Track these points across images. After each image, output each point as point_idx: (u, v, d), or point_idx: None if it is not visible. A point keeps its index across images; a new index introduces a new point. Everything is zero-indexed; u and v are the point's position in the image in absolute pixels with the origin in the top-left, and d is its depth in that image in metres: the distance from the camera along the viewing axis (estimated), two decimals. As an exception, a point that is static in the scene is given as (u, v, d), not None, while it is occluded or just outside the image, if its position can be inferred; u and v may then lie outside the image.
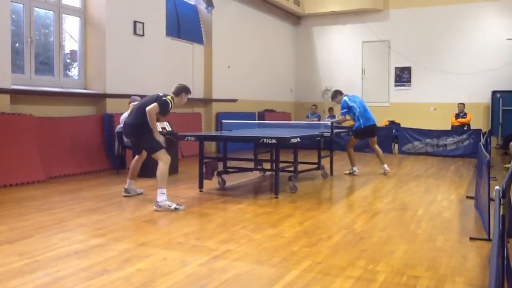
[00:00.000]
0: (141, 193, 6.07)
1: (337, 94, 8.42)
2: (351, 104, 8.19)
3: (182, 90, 5.64)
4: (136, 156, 6.04)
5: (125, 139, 7.94)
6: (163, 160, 5.36)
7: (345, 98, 8.26)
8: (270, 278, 3.18)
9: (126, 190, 5.95)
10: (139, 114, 5.45)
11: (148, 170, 7.46)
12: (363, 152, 11.75)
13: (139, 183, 7.09)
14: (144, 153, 5.90)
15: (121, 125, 7.90)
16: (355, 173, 8.29)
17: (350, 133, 8.50)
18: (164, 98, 5.39)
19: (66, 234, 4.19)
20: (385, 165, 8.29)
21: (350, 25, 15.98)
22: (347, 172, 8.34)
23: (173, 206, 5.16)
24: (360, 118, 8.16)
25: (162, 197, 5.17)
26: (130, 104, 7.97)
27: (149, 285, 3.03)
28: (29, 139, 6.98)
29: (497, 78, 14.07)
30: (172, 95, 5.56)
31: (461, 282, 3.13)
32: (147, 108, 5.27)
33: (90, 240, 4.01)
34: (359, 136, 8.36)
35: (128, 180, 5.98)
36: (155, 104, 5.29)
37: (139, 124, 5.44)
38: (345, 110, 8.20)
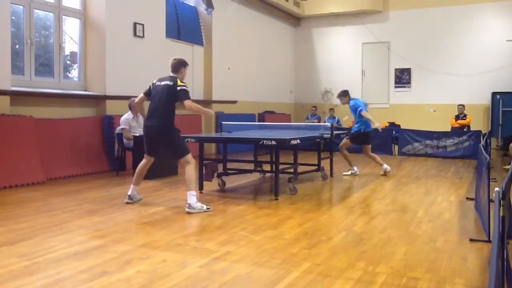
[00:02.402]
0: (140, 199, 5.81)
1: (346, 94, 8.39)
2: (363, 102, 8.34)
3: (181, 65, 5.55)
4: (144, 161, 5.67)
5: (125, 140, 7.96)
6: (191, 162, 5.39)
7: (355, 99, 8.34)
8: (270, 280, 3.17)
9: (129, 197, 5.63)
10: (164, 114, 5.37)
11: (149, 172, 7.47)
12: (362, 154, 11.76)
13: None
14: (152, 159, 5.65)
15: (122, 126, 7.93)
16: (356, 173, 8.33)
17: (347, 136, 8.46)
18: (180, 88, 5.33)
19: (65, 236, 4.19)
20: (385, 165, 8.29)
21: (349, 26, 15.99)
22: (348, 173, 8.34)
23: (205, 207, 5.22)
24: (362, 122, 8.21)
25: (193, 199, 5.21)
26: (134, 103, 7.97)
27: (149, 286, 3.02)
28: (29, 140, 6.98)
29: (497, 80, 14.08)
30: (174, 75, 5.46)
31: (461, 284, 3.13)
32: (189, 105, 5.29)
33: (89, 242, 4.01)
34: (355, 140, 8.36)
35: (131, 186, 5.67)
36: (189, 99, 5.32)
37: (168, 126, 5.39)
38: (361, 108, 8.18)
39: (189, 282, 3.12)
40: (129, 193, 5.64)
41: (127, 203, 5.59)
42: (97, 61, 8.75)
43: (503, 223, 2.37)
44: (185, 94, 5.33)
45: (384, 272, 3.32)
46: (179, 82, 5.37)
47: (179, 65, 5.54)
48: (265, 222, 4.82)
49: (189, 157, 5.42)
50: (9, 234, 4.23)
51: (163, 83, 5.44)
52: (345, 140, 8.43)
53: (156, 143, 5.50)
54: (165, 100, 5.37)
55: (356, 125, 8.27)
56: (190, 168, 5.34)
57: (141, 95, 5.63)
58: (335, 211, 5.54)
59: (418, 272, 3.34)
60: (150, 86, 5.57)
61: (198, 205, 5.20)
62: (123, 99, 8.57)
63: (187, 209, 5.17)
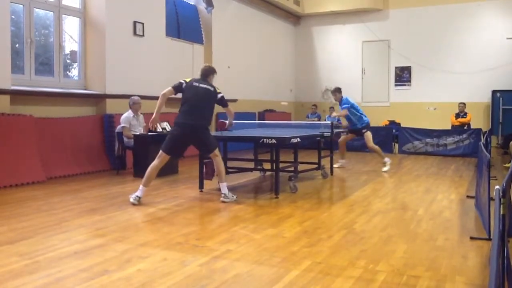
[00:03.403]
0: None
1: (339, 90, 8.78)
2: (352, 101, 8.68)
3: (211, 71, 5.96)
4: (157, 162, 5.58)
5: (125, 139, 7.96)
6: (219, 156, 5.81)
7: (346, 96, 8.72)
8: (270, 278, 3.17)
9: (139, 199, 5.48)
10: (206, 115, 5.73)
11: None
12: (363, 152, 11.76)
13: (139, 183, 7.10)
14: (167, 159, 5.62)
15: (123, 125, 7.93)
16: (343, 166, 8.85)
17: (364, 130, 8.70)
18: (221, 95, 5.91)
19: (66, 235, 4.19)
20: (386, 158, 8.63)
21: (350, 25, 15.98)
22: (336, 165, 8.73)
23: (234, 197, 5.71)
24: (363, 116, 8.69)
25: (226, 189, 5.70)
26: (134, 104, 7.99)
27: (149, 285, 3.03)
28: (29, 139, 6.98)
29: (497, 78, 14.07)
30: (206, 80, 5.85)
31: (462, 282, 3.13)
32: (231, 110, 6.18)
33: (90, 241, 4.01)
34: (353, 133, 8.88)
35: (141, 187, 5.53)
36: (228, 106, 6.08)
37: (206, 125, 5.73)
38: (348, 105, 8.58)
39: (190, 281, 3.12)
40: (139, 194, 5.50)
41: (134, 204, 5.44)
42: (97, 60, 8.75)
43: (504, 221, 2.37)
44: (226, 100, 6.02)
45: (384, 271, 3.32)
46: (217, 89, 5.88)
47: (210, 72, 5.94)
48: (266, 220, 4.82)
49: (218, 151, 5.82)
50: (10, 233, 4.23)
51: (202, 85, 5.75)
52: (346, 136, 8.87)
53: (188, 140, 5.74)
54: (207, 102, 5.77)
55: (362, 121, 8.66)
56: (219, 160, 5.75)
57: (170, 88, 5.71)
58: (335, 209, 5.54)
59: (418, 270, 3.35)
60: (182, 83, 5.73)
61: (230, 195, 5.69)
62: (123, 98, 8.57)
63: (221, 199, 5.67)
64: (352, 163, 9.82)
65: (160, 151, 5.63)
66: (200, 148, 5.92)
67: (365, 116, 8.77)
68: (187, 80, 5.79)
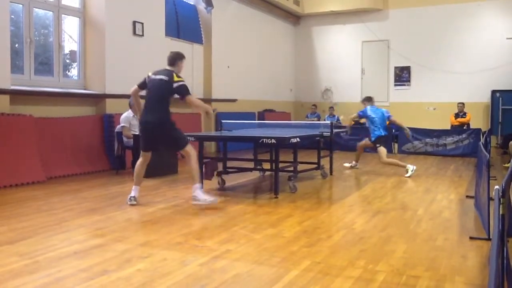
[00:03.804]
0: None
1: (367, 99, 8.70)
2: (371, 113, 8.40)
3: (178, 57, 5.48)
4: (141, 160, 5.54)
5: (125, 139, 7.95)
6: (193, 153, 5.41)
7: (370, 107, 8.51)
8: (270, 278, 3.18)
9: (134, 199, 5.47)
10: (162, 110, 5.30)
11: (147, 171, 7.47)
12: (363, 152, 11.76)
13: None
14: (149, 156, 5.56)
15: (122, 124, 7.93)
16: (356, 166, 8.77)
17: (377, 145, 8.37)
18: (178, 84, 5.26)
19: (66, 235, 4.19)
20: (408, 165, 8.12)
21: (349, 24, 15.98)
22: (348, 165, 8.73)
23: (209, 199, 5.31)
24: (375, 129, 8.36)
25: (199, 192, 5.33)
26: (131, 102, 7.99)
27: (149, 285, 3.03)
28: (28, 139, 6.98)
29: (497, 78, 14.07)
30: (170, 68, 5.40)
31: (461, 282, 3.13)
32: (190, 100, 5.34)
33: (90, 241, 4.01)
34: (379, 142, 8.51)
35: (134, 187, 5.52)
36: (189, 95, 5.33)
37: (166, 120, 5.34)
38: (360, 113, 8.55)
39: (189, 281, 3.12)
40: (133, 194, 5.49)
41: (132, 205, 5.43)
42: (97, 59, 8.75)
43: (503, 221, 2.37)
44: (185, 90, 5.29)
45: (384, 270, 3.33)
46: (175, 77, 5.28)
47: (176, 58, 5.47)
48: (265, 220, 4.82)
49: (190, 147, 5.43)
50: (10, 233, 4.23)
51: (158, 77, 5.35)
52: (370, 143, 8.59)
53: (155, 138, 5.44)
54: (161, 95, 5.31)
55: (377, 132, 8.37)
56: (194, 159, 5.39)
57: (135, 86, 5.54)
58: (335, 209, 5.54)
59: (418, 270, 3.35)
60: (145, 78, 5.48)
61: (203, 196, 5.30)
62: (122, 98, 8.56)
63: (192, 202, 5.32)
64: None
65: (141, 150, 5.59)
66: (167, 145, 5.67)
67: (379, 130, 8.30)
68: (150, 73, 5.50)
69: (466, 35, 14.52)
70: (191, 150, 5.41)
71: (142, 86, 5.50)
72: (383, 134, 8.35)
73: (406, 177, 7.87)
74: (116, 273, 3.22)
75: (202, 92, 12.19)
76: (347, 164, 8.89)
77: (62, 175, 7.49)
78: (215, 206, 5.49)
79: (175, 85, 5.25)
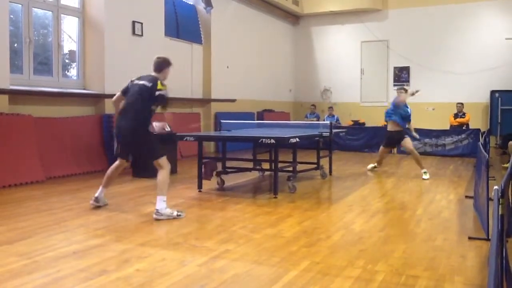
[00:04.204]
0: (106, 204, 5.39)
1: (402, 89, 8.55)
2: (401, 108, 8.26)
3: (166, 64, 5.21)
4: (117, 163, 5.33)
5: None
6: (166, 167, 5.04)
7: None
8: (269, 278, 3.18)
9: (96, 199, 5.25)
10: (139, 116, 5.01)
11: (146, 171, 7.48)
12: (361, 152, 11.79)
13: (138, 183, 7.09)
14: (124, 163, 5.35)
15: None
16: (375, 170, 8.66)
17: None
18: (159, 94, 4.98)
19: (65, 235, 4.19)
20: (423, 170, 7.95)
21: (349, 25, 15.98)
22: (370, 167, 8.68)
23: (175, 213, 4.86)
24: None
25: (163, 204, 4.83)
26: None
27: (148, 285, 3.03)
28: (28, 139, 6.97)
29: (496, 78, 14.08)
30: (155, 75, 5.12)
31: (460, 282, 3.13)
32: (167, 116, 5.14)
33: (89, 241, 4.01)
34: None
35: (100, 188, 5.30)
36: (164, 108, 5.23)
37: (140, 126, 5.04)
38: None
39: (188, 281, 3.12)
40: (96, 194, 5.26)
41: (93, 205, 5.24)
42: (96, 59, 8.74)
43: (502, 221, 2.38)
44: (162, 101, 5.07)
45: (383, 270, 3.33)
46: (159, 85, 5.01)
47: (164, 65, 5.21)
48: (264, 220, 4.82)
49: (164, 160, 5.05)
50: (9, 233, 4.23)
51: (141, 82, 5.10)
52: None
53: (128, 145, 5.20)
54: (139, 100, 5.02)
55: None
56: (164, 172, 5.00)
57: (118, 94, 5.29)
58: (334, 209, 5.54)
59: (417, 270, 3.35)
60: (128, 84, 5.22)
61: (168, 211, 4.83)
62: (122, 98, 8.56)
63: (154, 216, 4.80)
64: (350, 163, 9.83)
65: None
66: (141, 153, 5.34)
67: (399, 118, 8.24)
68: (133, 78, 5.25)
69: (465, 35, 14.52)
70: (164, 164, 5.04)
71: (125, 92, 5.22)
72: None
73: (424, 179, 7.74)
74: (115, 273, 3.22)
75: (201, 92, 12.19)
76: (370, 166, 8.76)
77: (62, 175, 7.48)
78: (214, 207, 5.48)
79: (157, 93, 4.99)
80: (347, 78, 15.87)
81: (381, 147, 8.58)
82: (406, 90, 8.42)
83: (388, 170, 8.71)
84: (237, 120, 9.27)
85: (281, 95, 15.96)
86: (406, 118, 8.24)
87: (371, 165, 8.73)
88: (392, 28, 15.37)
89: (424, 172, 7.86)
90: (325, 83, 16.40)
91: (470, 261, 3.57)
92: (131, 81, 5.24)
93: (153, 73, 5.18)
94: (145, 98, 5.01)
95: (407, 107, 8.25)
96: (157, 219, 4.76)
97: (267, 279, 3.16)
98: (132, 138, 5.07)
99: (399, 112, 8.14)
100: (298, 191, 6.41)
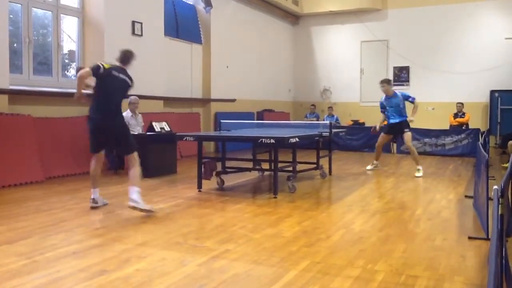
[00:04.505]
0: (106, 204, 5.46)
1: (385, 81, 8.79)
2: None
3: (132, 57, 5.35)
4: (94, 162, 5.34)
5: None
6: (138, 160, 5.17)
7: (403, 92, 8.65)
8: (269, 278, 3.17)
9: (94, 200, 5.29)
10: (120, 109, 5.18)
11: (145, 171, 7.48)
12: (361, 152, 11.78)
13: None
14: (102, 155, 5.39)
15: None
16: (378, 167, 8.75)
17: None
18: (131, 88, 5.32)
19: (64, 235, 4.19)
20: (418, 166, 8.11)
21: (348, 24, 15.98)
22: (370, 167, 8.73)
23: (147, 207, 4.95)
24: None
25: (138, 195, 4.90)
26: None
27: (148, 285, 3.03)
28: (27, 139, 6.97)
29: (496, 78, 14.08)
30: (125, 67, 5.27)
31: (460, 282, 3.13)
32: None
33: (88, 241, 4.01)
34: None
35: (92, 190, 5.31)
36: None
37: (123, 120, 5.25)
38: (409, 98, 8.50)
39: (188, 281, 3.12)
40: (92, 196, 5.30)
41: (93, 207, 5.26)
42: (96, 59, 8.68)
43: (502, 221, 2.38)
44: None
45: (383, 270, 3.33)
46: (132, 81, 5.28)
47: (130, 57, 5.32)
48: (264, 220, 4.82)
49: (136, 154, 5.21)
50: (8, 233, 4.22)
51: (121, 76, 5.18)
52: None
53: (107, 139, 5.24)
54: (122, 96, 5.26)
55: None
56: (138, 165, 5.14)
57: (87, 69, 5.11)
58: (334, 209, 5.54)
59: (417, 270, 3.35)
60: (99, 68, 5.07)
61: (142, 202, 4.91)
62: (121, 98, 8.56)
63: (130, 203, 4.85)
64: (350, 163, 9.84)
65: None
66: (117, 147, 5.43)
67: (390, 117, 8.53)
68: (106, 66, 5.15)
69: (465, 35, 14.52)
70: (137, 158, 5.18)
71: (94, 73, 5.06)
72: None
73: (416, 176, 7.90)
74: (115, 273, 3.22)
75: (201, 92, 12.19)
76: (368, 167, 8.79)
77: (61, 175, 7.48)
78: (214, 206, 5.48)
79: (130, 88, 5.29)
80: (347, 78, 15.87)
81: (381, 134, 8.71)
82: (388, 82, 8.71)
83: (388, 170, 8.71)
84: (237, 120, 9.27)
85: (280, 95, 15.97)
86: (397, 107, 8.33)
87: (369, 166, 8.73)
88: (391, 28, 15.37)
89: (418, 170, 7.97)
90: (324, 83, 16.40)
91: (470, 261, 3.57)
92: (104, 68, 5.09)
93: (122, 65, 5.27)
94: (126, 94, 5.25)
95: (396, 97, 8.38)
96: (134, 207, 4.85)
97: (267, 279, 3.16)
98: (116, 132, 5.17)
99: (390, 105, 8.41)
100: (298, 191, 6.41)
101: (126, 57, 5.30)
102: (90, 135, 5.28)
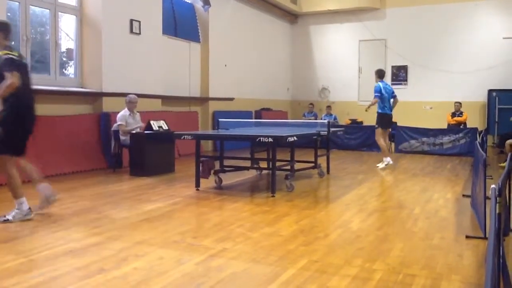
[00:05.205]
0: (56, 197, 5.02)
1: (377, 72, 9.31)
2: (380, 89, 9.04)
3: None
4: (13, 170, 4.66)
5: (121, 137, 7.93)
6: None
7: (381, 83, 9.10)
8: (267, 277, 3.17)
9: (46, 200, 4.89)
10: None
11: (143, 170, 7.48)
12: (359, 151, 11.79)
13: (135, 182, 7.08)
14: (20, 160, 4.84)
15: (119, 123, 7.92)
16: (390, 163, 8.79)
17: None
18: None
19: (62, 233, 4.18)
20: (387, 158, 8.59)
21: (347, 23, 15.98)
22: (381, 165, 8.81)
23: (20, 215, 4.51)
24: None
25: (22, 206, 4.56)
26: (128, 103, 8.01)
27: (146, 284, 3.02)
28: (25, 137, 6.94)
29: (493, 77, 14.10)
30: None
31: (457, 280, 3.14)
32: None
33: (86, 239, 4.00)
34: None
35: (22, 199, 4.67)
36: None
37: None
38: (378, 94, 9.01)
39: (186, 279, 3.12)
40: (27, 206, 4.69)
41: (46, 207, 4.97)
42: (94, 58, 8.72)
43: (499, 220, 2.38)
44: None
45: (380, 269, 3.33)
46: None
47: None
48: (262, 219, 4.82)
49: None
50: (5, 231, 4.22)
51: (24, 61, 4.62)
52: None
53: (30, 134, 4.83)
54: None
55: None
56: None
57: (16, 74, 4.41)
58: (332, 208, 5.55)
59: (414, 268, 3.35)
60: (14, 61, 4.44)
61: (19, 213, 4.51)
62: (119, 96, 8.55)
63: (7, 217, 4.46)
64: (348, 162, 9.84)
65: (9, 157, 4.61)
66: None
67: (382, 109, 9.01)
68: (15, 54, 4.50)
69: (463, 34, 14.53)
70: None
71: (21, 71, 4.52)
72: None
73: (377, 166, 8.46)
74: (113, 272, 3.22)
75: (199, 90, 12.17)
76: (380, 165, 8.87)
77: (59, 174, 7.46)
78: (212, 205, 5.47)
79: None
80: (345, 77, 15.86)
81: (377, 130, 9.03)
82: (376, 72, 9.36)
83: (386, 169, 8.71)
84: (235, 119, 9.27)
85: (279, 94, 15.97)
86: (384, 99, 8.96)
87: (381, 164, 8.84)
88: (390, 27, 15.37)
89: (382, 161, 8.45)
90: (323, 82, 16.40)
91: (467, 260, 3.58)
92: (15, 58, 4.45)
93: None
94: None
95: (378, 89, 8.94)
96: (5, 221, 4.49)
97: (264, 278, 3.16)
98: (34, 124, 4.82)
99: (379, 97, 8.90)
100: (296, 190, 6.41)
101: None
102: (19, 135, 4.73)
